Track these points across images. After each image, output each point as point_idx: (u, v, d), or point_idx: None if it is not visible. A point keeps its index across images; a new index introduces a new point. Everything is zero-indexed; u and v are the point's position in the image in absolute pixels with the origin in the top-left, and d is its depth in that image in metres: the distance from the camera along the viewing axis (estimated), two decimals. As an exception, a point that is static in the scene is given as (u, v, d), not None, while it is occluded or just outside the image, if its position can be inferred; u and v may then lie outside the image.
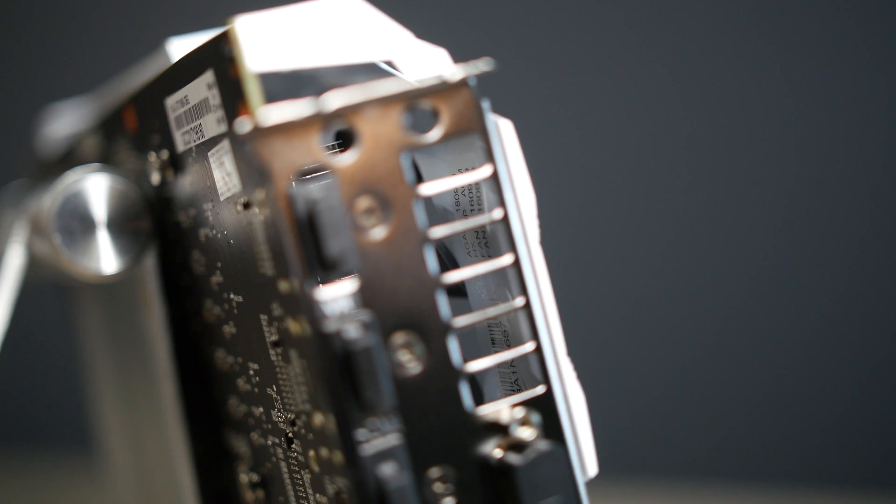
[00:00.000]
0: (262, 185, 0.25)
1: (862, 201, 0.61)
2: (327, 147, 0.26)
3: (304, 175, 0.25)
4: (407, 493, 0.25)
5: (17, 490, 0.67)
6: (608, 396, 0.62)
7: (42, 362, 0.75)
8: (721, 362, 0.64)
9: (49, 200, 0.33)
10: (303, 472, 0.28)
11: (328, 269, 0.25)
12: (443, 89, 0.26)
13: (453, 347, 0.26)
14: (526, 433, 0.26)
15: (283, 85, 0.27)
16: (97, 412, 0.49)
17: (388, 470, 0.25)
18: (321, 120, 0.25)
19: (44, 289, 0.46)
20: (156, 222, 0.34)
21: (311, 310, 0.25)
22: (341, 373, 0.25)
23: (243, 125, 0.25)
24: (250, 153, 0.25)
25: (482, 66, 0.26)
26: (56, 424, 0.73)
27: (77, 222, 0.33)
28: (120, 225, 0.33)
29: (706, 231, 0.64)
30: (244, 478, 0.33)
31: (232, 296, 0.30)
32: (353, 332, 0.25)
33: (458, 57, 0.27)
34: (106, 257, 0.33)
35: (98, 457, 0.52)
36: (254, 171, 0.26)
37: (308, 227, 0.25)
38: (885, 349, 0.62)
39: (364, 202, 0.26)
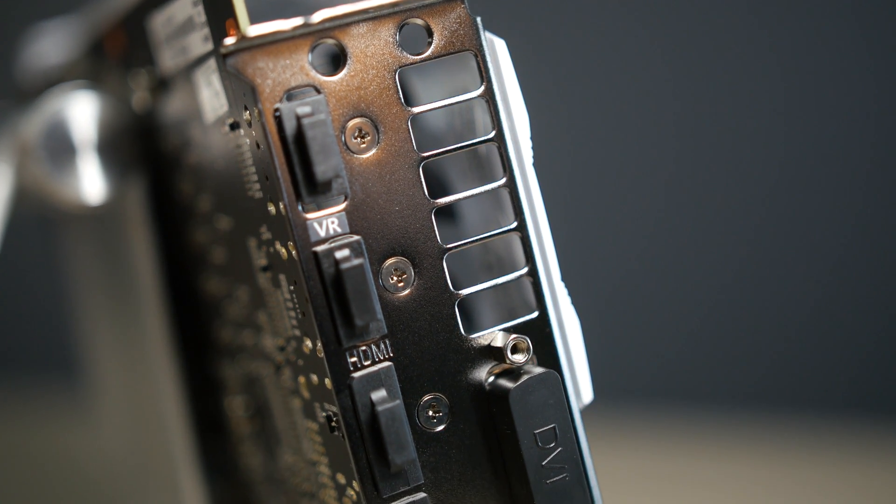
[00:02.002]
0: (250, 104, 0.25)
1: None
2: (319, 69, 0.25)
3: (292, 95, 0.25)
4: (398, 419, 0.24)
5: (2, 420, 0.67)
6: (604, 322, 0.62)
7: (26, 292, 0.74)
8: (720, 287, 0.64)
9: (34, 122, 0.33)
10: (293, 399, 0.28)
11: (318, 192, 0.24)
12: (436, 4, 0.25)
13: (446, 272, 0.26)
14: (520, 358, 0.26)
15: (270, 9, 0.26)
16: (85, 343, 0.49)
17: (378, 396, 0.25)
18: (309, 37, 0.25)
19: (27, 219, 0.45)
20: (142, 146, 0.33)
21: (300, 232, 0.24)
22: (331, 295, 0.24)
23: (230, 41, 0.24)
24: (237, 71, 0.24)
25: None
26: (41, 355, 0.73)
27: (63, 144, 0.33)
28: (106, 147, 0.33)
29: (703, 152, 0.64)
30: (233, 405, 0.33)
31: (220, 221, 0.30)
32: (342, 253, 0.24)
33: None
34: (92, 182, 0.33)
35: (86, 386, 0.52)
36: (240, 91, 0.25)
37: (297, 149, 0.24)
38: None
39: (355, 122, 0.25)
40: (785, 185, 0.62)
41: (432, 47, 0.26)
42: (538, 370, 0.26)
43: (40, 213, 0.45)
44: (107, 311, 0.43)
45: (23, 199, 0.36)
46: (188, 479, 0.34)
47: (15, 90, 0.46)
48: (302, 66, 0.25)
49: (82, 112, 0.33)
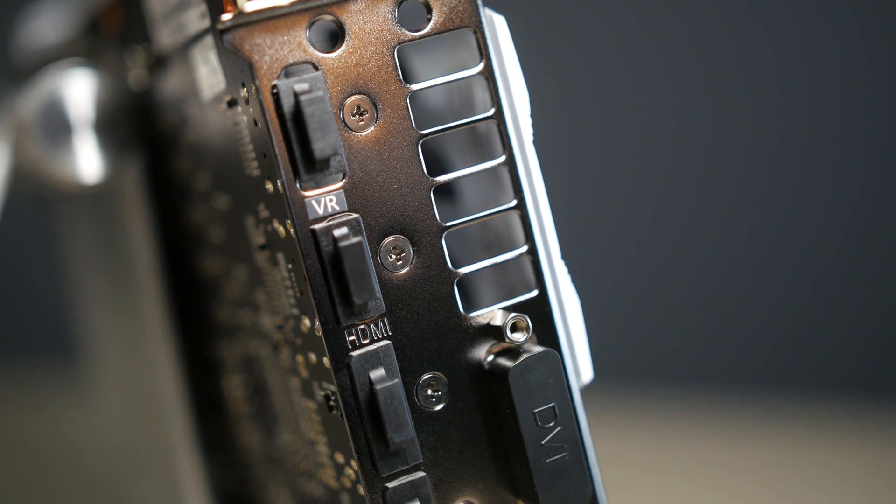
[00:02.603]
0: (247, 81, 0.25)
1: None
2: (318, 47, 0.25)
3: (290, 72, 0.25)
4: (397, 398, 0.24)
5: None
6: (605, 301, 0.62)
7: (23, 272, 0.74)
8: (721, 267, 0.64)
9: (31, 101, 0.32)
10: (291, 378, 0.28)
11: (316, 169, 0.24)
12: (435, -20, 0.25)
13: (445, 250, 0.25)
14: (519, 337, 0.26)
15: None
16: (83, 323, 0.49)
17: (377, 374, 0.24)
18: (307, 13, 0.24)
19: (24, 199, 0.45)
20: (139, 125, 0.33)
21: (298, 210, 0.24)
22: (329, 273, 0.24)
23: (227, 17, 0.24)
24: (234, 47, 0.24)
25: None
26: (39, 336, 0.73)
27: (60, 123, 0.32)
28: (103, 126, 0.33)
29: (703, 132, 0.63)
30: (231, 385, 0.32)
31: (218, 199, 0.29)
32: (341, 231, 0.24)
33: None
34: (89, 160, 0.33)
35: (84, 367, 0.52)
36: (237, 67, 0.25)
37: (295, 126, 0.24)
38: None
39: (353, 100, 0.25)
40: (788, 161, 0.62)
41: (431, 24, 0.25)
42: (538, 349, 0.25)
43: (37, 193, 0.45)
44: (104, 291, 0.43)
45: (19, 178, 0.36)
46: (186, 459, 0.34)
47: (11, 69, 0.45)
48: (300, 43, 0.25)
49: (79, 90, 0.33)
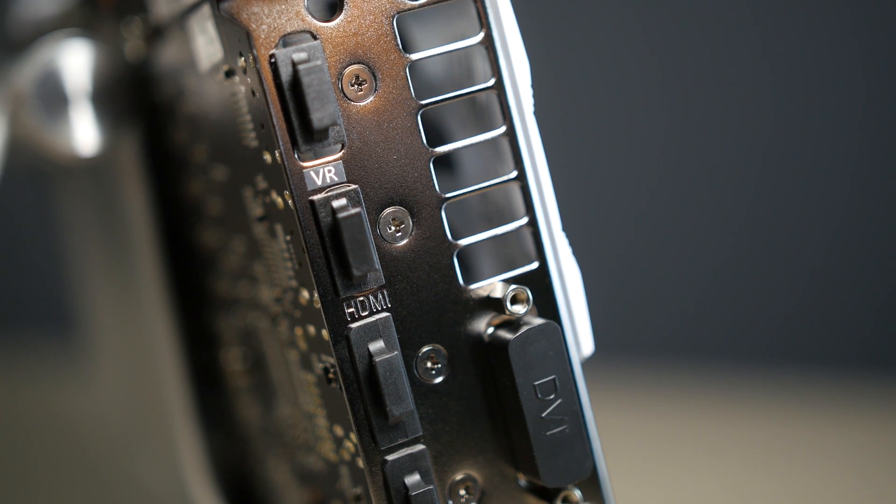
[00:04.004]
0: (244, 51, 0.25)
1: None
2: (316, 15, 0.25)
3: (288, 41, 0.24)
4: (396, 371, 0.24)
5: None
6: (606, 272, 0.61)
7: (20, 245, 0.74)
8: (725, 239, 0.64)
9: (27, 72, 0.32)
10: (290, 351, 0.28)
11: (314, 140, 0.24)
12: (434, -53, 0.25)
13: (445, 221, 0.25)
14: (519, 309, 0.25)
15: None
16: (80, 296, 0.48)
17: (376, 347, 0.24)
18: (306, -19, 0.24)
19: (21, 171, 0.45)
20: (136, 96, 0.33)
21: (296, 180, 0.24)
22: (328, 245, 0.24)
23: (223, -15, 0.24)
24: (231, 16, 0.24)
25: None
26: (36, 309, 0.73)
27: (56, 94, 0.32)
28: (99, 97, 0.32)
29: (706, 103, 0.63)
30: (230, 358, 0.32)
31: (216, 171, 0.29)
32: (339, 202, 0.24)
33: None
34: (86, 132, 0.32)
35: (81, 340, 0.51)
36: (235, 37, 0.25)
37: (293, 95, 0.24)
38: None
39: (352, 69, 0.25)
40: (794, 138, 0.62)
41: (431, -8, 0.25)
42: (538, 321, 0.25)
43: (34, 165, 0.45)
44: (101, 264, 0.43)
45: (16, 150, 0.36)
46: (185, 433, 0.34)
47: (7, 40, 0.45)
48: (298, 12, 0.24)
49: (75, 62, 0.32)
